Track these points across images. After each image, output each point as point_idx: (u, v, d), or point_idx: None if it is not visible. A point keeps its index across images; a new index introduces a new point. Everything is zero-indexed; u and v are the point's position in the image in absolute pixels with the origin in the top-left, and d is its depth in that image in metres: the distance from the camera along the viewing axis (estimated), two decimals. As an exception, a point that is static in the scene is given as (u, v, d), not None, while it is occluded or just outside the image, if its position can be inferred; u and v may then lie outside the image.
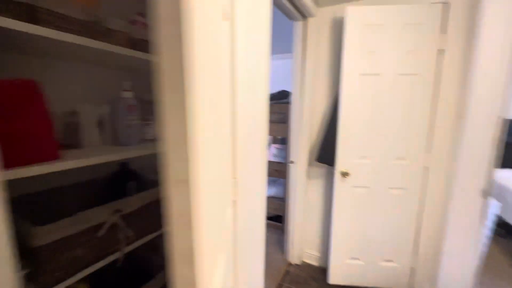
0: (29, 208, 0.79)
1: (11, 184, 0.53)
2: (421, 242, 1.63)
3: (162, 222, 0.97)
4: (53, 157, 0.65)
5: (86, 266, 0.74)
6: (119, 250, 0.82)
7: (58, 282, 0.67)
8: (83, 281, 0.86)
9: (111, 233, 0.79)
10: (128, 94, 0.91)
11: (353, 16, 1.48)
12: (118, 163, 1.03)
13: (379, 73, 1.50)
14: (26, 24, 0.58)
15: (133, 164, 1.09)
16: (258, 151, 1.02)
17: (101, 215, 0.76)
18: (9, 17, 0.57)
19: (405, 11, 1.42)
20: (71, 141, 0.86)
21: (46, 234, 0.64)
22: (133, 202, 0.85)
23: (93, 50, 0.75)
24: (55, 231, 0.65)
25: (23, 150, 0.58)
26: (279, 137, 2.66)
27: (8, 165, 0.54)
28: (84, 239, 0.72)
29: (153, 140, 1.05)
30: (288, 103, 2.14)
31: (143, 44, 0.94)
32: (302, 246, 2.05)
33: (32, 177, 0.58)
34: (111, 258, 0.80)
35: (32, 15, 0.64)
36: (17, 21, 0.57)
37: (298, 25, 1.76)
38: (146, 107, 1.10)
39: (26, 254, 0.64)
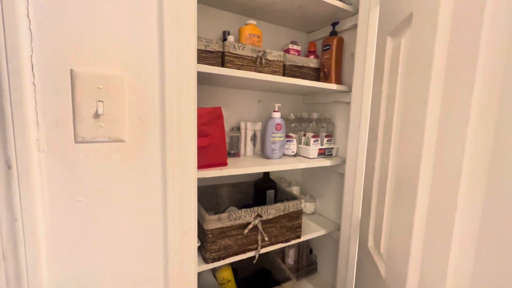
0: (199, 197, 1.08)
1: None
2: None
3: (292, 235, 1.03)
4: (224, 164, 0.86)
5: (232, 255, 0.90)
6: (255, 249, 0.94)
7: (214, 261, 0.87)
8: (227, 266, 1.06)
9: (252, 234, 0.93)
10: (276, 114, 1.04)
11: None
12: (262, 172, 1.20)
13: None
14: (217, 68, 0.81)
15: (272, 173, 1.23)
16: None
17: (247, 216, 0.90)
18: (207, 64, 0.83)
19: None
20: (233, 150, 1.09)
21: (213, 222, 0.84)
22: (271, 211, 0.95)
23: (256, 80, 0.91)
24: (217, 221, 0.85)
25: (208, 158, 0.80)
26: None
27: (198, 167, 0.77)
28: (234, 233, 0.89)
29: (293, 156, 1.13)
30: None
31: (294, 69, 1.05)
32: None
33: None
34: (249, 254, 0.94)
35: (222, 59, 0.89)
36: (212, 66, 0.80)
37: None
38: (290, 126, 1.20)
39: (199, 233, 0.88)
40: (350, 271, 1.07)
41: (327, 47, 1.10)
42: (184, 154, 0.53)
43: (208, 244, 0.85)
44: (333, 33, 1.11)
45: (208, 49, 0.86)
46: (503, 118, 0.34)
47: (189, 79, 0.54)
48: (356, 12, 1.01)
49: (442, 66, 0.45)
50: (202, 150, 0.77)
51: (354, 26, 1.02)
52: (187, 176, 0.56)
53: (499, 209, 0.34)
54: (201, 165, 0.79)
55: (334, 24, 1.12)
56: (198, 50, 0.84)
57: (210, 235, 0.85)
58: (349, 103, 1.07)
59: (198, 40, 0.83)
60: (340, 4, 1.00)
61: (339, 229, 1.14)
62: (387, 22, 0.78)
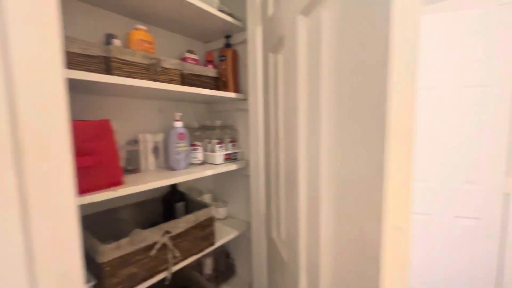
0: (93, 225, 0.91)
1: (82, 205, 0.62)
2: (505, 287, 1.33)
3: (205, 244, 1.02)
4: (118, 183, 0.76)
5: (139, 283, 0.80)
6: (167, 269, 0.88)
7: (117, 296, 0.75)
8: (136, 296, 0.94)
9: (161, 253, 0.86)
10: (178, 124, 1.01)
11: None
12: (169, 185, 1.13)
13: (437, 86, 1.36)
14: (100, 75, 0.71)
15: (181, 185, 1.18)
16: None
17: (153, 235, 0.83)
18: (86, 70, 0.72)
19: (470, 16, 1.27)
20: (131, 166, 0.98)
21: (110, 252, 0.72)
22: (180, 224, 0.91)
23: (152, 89, 0.86)
24: (116, 249, 0.74)
25: (96, 179, 0.68)
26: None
27: (82, 191, 0.65)
28: (139, 258, 0.80)
29: (200, 164, 1.12)
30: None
31: (193, 78, 1.05)
32: None
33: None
34: (160, 276, 0.86)
35: (107, 65, 0.79)
36: (93, 73, 0.70)
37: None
38: (194, 134, 1.19)
39: (94, 268, 0.74)
40: (263, 264, 1.15)
41: (223, 58, 1.17)
42: (53, 180, 0.44)
43: (106, 280, 0.73)
44: (228, 45, 1.19)
45: (87, 53, 0.75)
46: (337, 117, 0.45)
47: (54, 86, 0.45)
48: (245, 28, 1.11)
49: (303, 80, 0.57)
50: (86, 171, 0.65)
51: (245, 41, 1.13)
52: (62, 206, 0.46)
53: (346, 191, 0.45)
54: (86, 189, 0.67)
55: (228, 37, 1.19)
56: (72, 53, 0.71)
57: (108, 268, 0.73)
58: (247, 110, 1.16)
59: (71, 41, 0.71)
60: (230, 19, 1.08)
61: (250, 227, 1.21)
62: (268, 40, 0.90)
